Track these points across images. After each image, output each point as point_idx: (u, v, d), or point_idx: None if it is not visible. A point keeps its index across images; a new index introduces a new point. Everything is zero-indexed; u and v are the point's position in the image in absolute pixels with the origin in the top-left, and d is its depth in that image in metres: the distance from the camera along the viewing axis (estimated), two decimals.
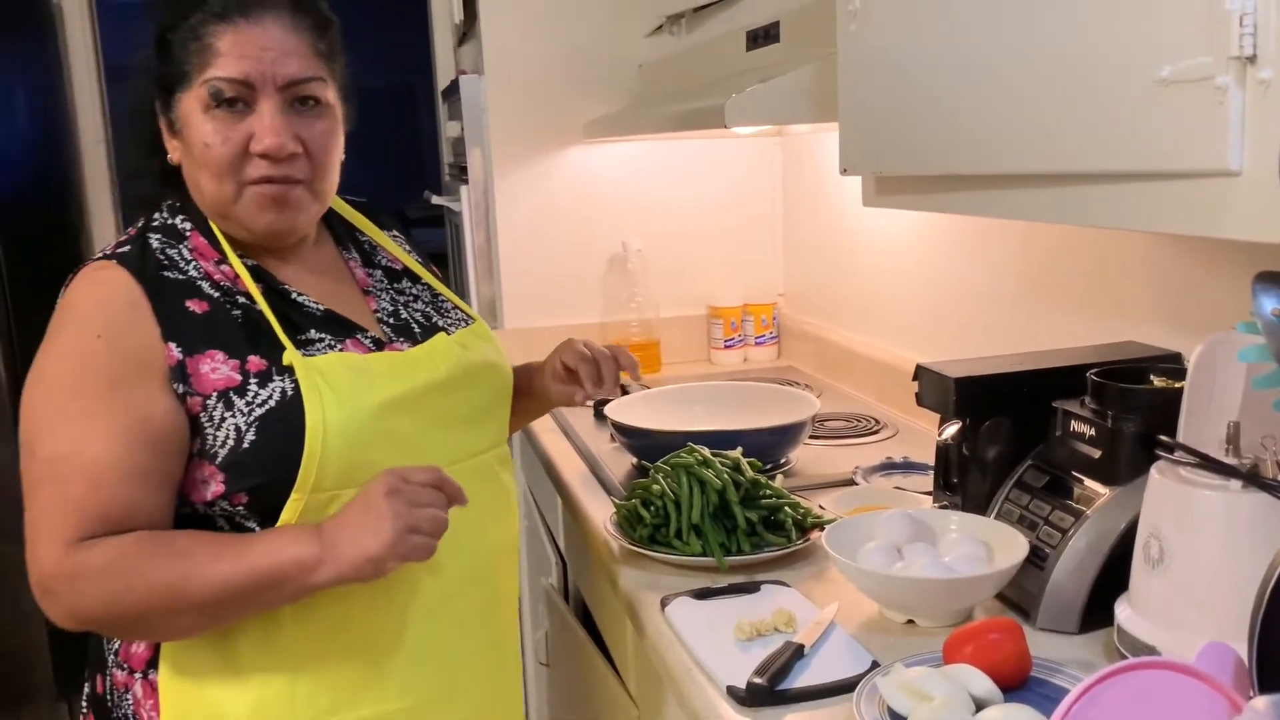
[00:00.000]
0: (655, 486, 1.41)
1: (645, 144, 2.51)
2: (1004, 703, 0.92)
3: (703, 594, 1.24)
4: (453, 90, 2.55)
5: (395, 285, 1.26)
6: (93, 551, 0.97)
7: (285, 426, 1.02)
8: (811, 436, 1.79)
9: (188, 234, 1.10)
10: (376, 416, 1.07)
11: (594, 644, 1.65)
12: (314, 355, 1.07)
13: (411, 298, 1.26)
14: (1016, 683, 0.98)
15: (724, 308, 2.56)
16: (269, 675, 1.05)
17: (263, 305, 1.07)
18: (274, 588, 0.98)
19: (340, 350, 1.10)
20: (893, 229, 2.07)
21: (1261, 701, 0.60)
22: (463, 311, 1.29)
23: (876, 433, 1.89)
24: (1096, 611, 1.09)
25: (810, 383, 2.27)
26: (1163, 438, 0.99)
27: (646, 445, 1.66)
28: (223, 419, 1.02)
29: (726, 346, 2.58)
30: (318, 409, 1.03)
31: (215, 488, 1.02)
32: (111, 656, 1.10)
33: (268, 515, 1.03)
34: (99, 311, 1.02)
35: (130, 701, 1.08)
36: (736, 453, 1.47)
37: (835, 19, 1.29)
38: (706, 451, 1.45)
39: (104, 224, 3.23)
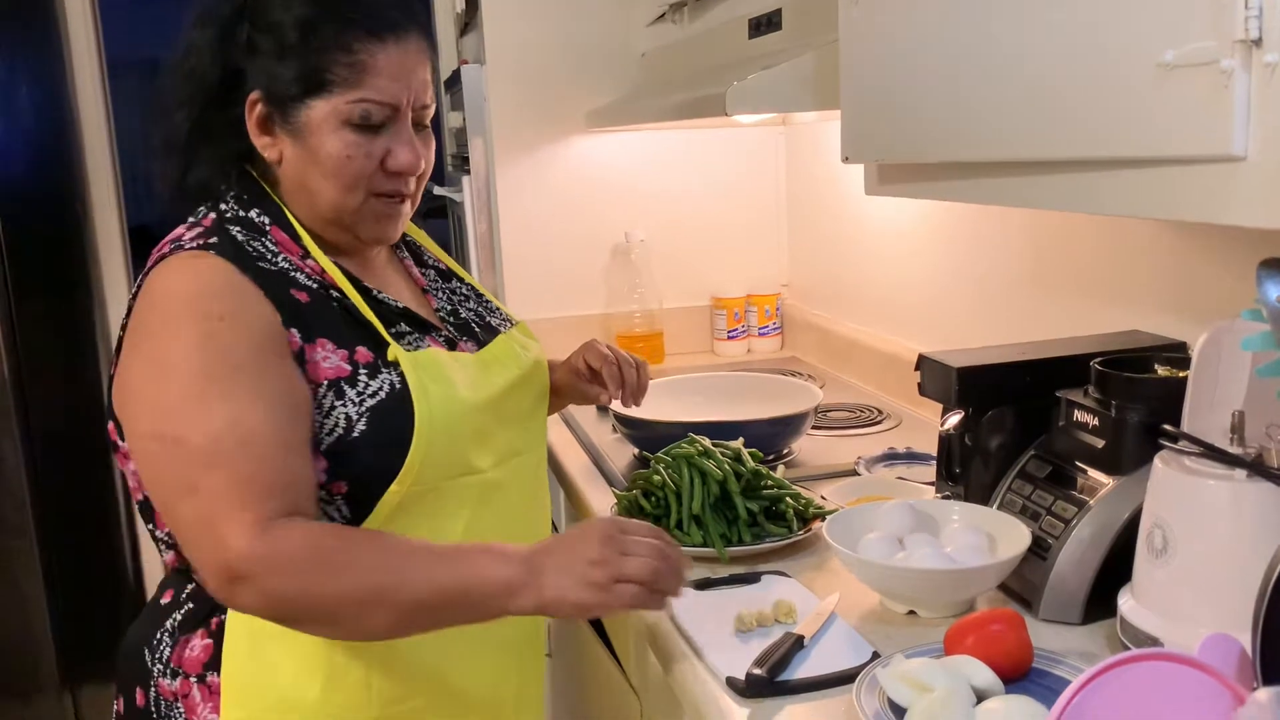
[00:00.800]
0: (656, 477, 1.41)
1: (648, 134, 2.50)
2: (1005, 694, 0.92)
3: (703, 584, 1.24)
4: (454, 80, 2.54)
5: (448, 285, 1.28)
6: (289, 535, 0.93)
7: (395, 419, 1.03)
8: (814, 427, 1.78)
9: (267, 228, 1.08)
10: (472, 414, 1.09)
11: (596, 635, 1.65)
12: (411, 351, 1.08)
13: (463, 297, 1.28)
14: (1018, 674, 0.97)
15: (727, 299, 2.55)
16: (342, 665, 1.04)
17: (357, 300, 1.07)
18: (475, 604, 0.96)
19: (428, 348, 1.11)
20: (897, 218, 2.06)
21: (1265, 693, 0.59)
22: (504, 312, 1.32)
23: (879, 423, 1.88)
24: (1099, 602, 1.08)
25: (813, 373, 2.26)
26: (1167, 427, 0.98)
27: (648, 436, 1.66)
28: (332, 407, 1.02)
29: (730, 337, 2.57)
30: (425, 404, 1.04)
31: (317, 476, 1.01)
32: (160, 666, 1.07)
33: (361, 505, 1.04)
34: (213, 297, 0.99)
35: (181, 710, 1.06)
36: (738, 443, 1.47)
37: (837, 6, 1.28)
38: (707, 442, 1.45)
39: (108, 219, 3.23)
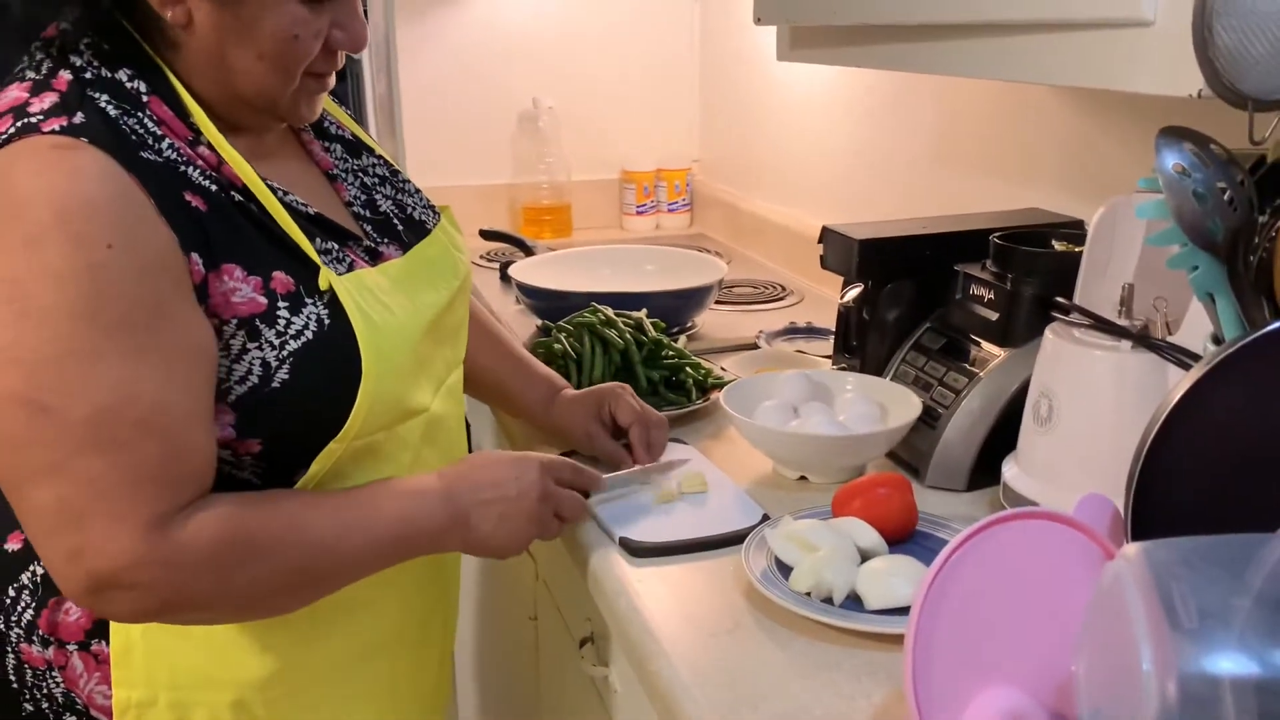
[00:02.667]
0: (557, 346, 1.39)
1: None
2: (889, 554, 0.94)
3: None
4: None
5: (359, 163, 1.04)
6: (191, 531, 0.78)
7: (329, 363, 0.84)
8: (718, 302, 1.78)
9: (145, 99, 0.82)
10: (416, 346, 0.92)
11: None
12: (342, 276, 0.88)
13: (378, 180, 1.04)
14: (903, 536, 0.99)
15: (637, 172, 2.51)
16: (273, 630, 0.90)
17: (272, 204, 0.85)
18: (403, 557, 0.91)
19: (356, 270, 0.91)
20: (808, 91, 2.03)
21: (1133, 548, 0.61)
22: (425, 196, 1.09)
23: (782, 299, 1.89)
24: (985, 471, 1.10)
25: (721, 250, 2.25)
26: (1059, 299, 1.00)
27: (552, 307, 1.63)
28: (244, 350, 0.82)
29: (639, 213, 2.53)
30: (372, 344, 0.86)
31: (221, 431, 0.83)
32: (18, 631, 0.89)
33: (279, 469, 0.87)
34: (95, 214, 0.75)
35: (59, 680, 0.89)
36: (640, 314, 1.45)
37: None
38: (610, 311, 1.43)
39: None
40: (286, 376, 0.83)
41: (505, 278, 1.93)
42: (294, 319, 0.84)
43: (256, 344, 0.82)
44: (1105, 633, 0.61)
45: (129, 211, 0.77)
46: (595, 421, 1.17)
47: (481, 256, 2.23)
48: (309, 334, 0.84)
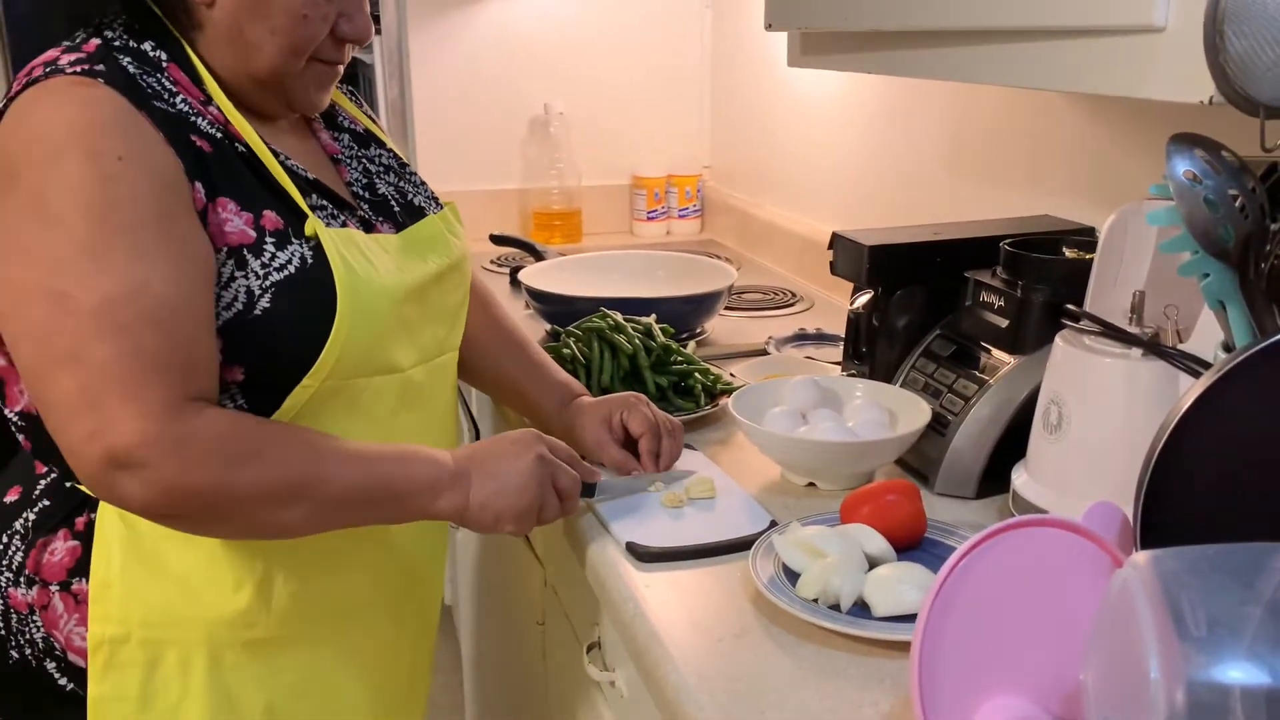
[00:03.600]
0: (566, 351, 1.39)
1: None
2: (897, 561, 0.93)
3: None
4: None
5: (365, 152, 1.12)
6: (206, 420, 0.83)
7: (308, 298, 0.90)
8: (728, 308, 1.78)
9: (164, 65, 0.91)
10: (396, 302, 0.97)
11: None
12: (332, 227, 0.95)
13: (382, 168, 1.12)
14: (911, 543, 0.99)
15: (648, 178, 2.51)
16: (255, 570, 0.93)
17: (268, 158, 0.93)
18: (399, 500, 0.92)
19: (344, 226, 0.98)
20: (819, 97, 2.03)
21: (1142, 556, 0.61)
22: (430, 190, 1.16)
23: (792, 305, 1.89)
24: (994, 478, 1.10)
25: (731, 256, 2.25)
26: (1069, 306, 0.99)
27: (561, 311, 1.63)
28: (232, 278, 0.88)
29: (649, 218, 2.53)
30: (349, 282, 0.92)
31: None
32: (7, 575, 0.93)
33: (260, 397, 0.91)
34: (107, 132, 0.84)
35: (39, 623, 0.92)
36: (649, 319, 1.45)
37: None
38: (619, 316, 1.43)
39: None
40: (268, 304, 0.89)
41: (515, 282, 1.93)
42: (279, 253, 0.90)
43: (243, 273, 0.89)
44: (1114, 641, 0.61)
45: (139, 134, 0.85)
46: (605, 429, 1.17)
47: (491, 261, 2.23)
48: (291, 268, 0.91)
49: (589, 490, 1.06)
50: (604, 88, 2.48)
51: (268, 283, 0.89)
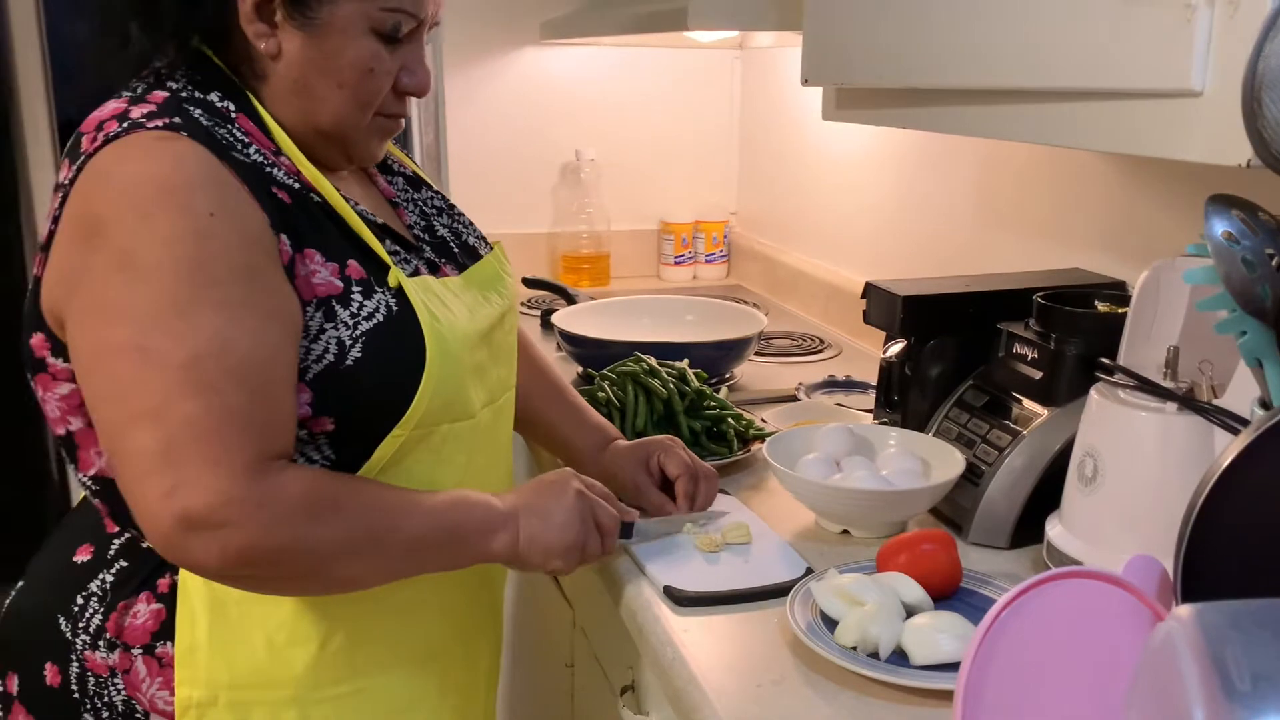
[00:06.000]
0: (600, 394, 1.41)
1: (603, 50, 2.45)
2: (934, 610, 0.94)
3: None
4: None
5: (418, 195, 1.14)
6: (286, 479, 0.83)
7: (397, 346, 0.90)
8: (756, 354, 1.79)
9: (233, 116, 0.91)
10: (475, 347, 0.99)
11: None
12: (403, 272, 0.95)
13: (436, 210, 1.14)
14: (947, 592, 0.99)
15: (676, 224, 2.54)
16: (326, 630, 0.93)
17: (343, 208, 0.93)
18: (460, 545, 0.93)
19: (418, 272, 0.99)
20: (848, 149, 2.06)
21: (1185, 609, 0.61)
22: (478, 229, 1.18)
23: (821, 352, 1.90)
24: (1028, 528, 1.11)
25: (758, 302, 2.27)
26: (1103, 360, 1.01)
27: (594, 355, 1.65)
28: (321, 330, 0.88)
29: (676, 263, 2.56)
30: (435, 329, 0.92)
31: (299, 409, 0.88)
32: (85, 637, 0.92)
33: (347, 448, 0.91)
34: (196, 188, 0.83)
35: (121, 687, 0.91)
36: (683, 364, 1.47)
37: None
38: (653, 361, 1.45)
39: (36, 111, 3.07)
40: (359, 355, 0.89)
41: (547, 325, 1.96)
42: (366, 302, 0.91)
43: (332, 324, 0.89)
44: (1156, 694, 0.61)
45: (227, 189, 0.85)
46: (643, 472, 1.18)
47: (524, 304, 2.26)
48: (380, 316, 0.91)
49: (626, 531, 1.07)
50: (634, 136, 2.53)
51: (358, 333, 0.89)
